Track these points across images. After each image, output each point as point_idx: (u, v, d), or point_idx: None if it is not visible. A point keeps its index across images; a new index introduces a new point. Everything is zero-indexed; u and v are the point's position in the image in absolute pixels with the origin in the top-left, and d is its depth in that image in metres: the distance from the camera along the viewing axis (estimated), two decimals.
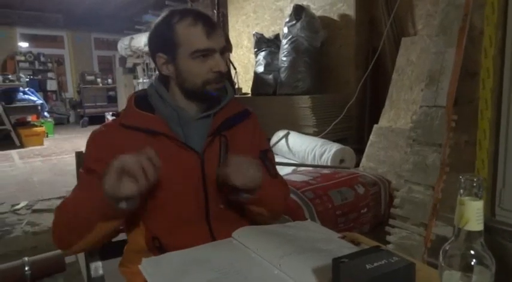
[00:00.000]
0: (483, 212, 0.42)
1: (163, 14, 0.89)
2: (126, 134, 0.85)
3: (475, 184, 0.40)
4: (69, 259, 1.79)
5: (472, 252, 0.43)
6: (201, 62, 0.85)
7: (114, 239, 0.92)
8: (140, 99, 0.90)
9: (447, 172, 1.66)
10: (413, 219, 1.74)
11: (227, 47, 0.91)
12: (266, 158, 0.99)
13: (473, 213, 0.40)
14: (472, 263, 0.44)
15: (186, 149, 0.87)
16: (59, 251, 1.68)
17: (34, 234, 2.28)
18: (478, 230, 0.41)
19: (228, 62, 0.98)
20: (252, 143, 0.97)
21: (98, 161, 0.82)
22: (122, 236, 0.94)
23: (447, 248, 0.44)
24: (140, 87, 7.60)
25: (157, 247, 0.85)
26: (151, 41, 0.90)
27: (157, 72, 0.94)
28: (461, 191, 0.41)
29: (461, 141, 1.81)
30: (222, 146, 0.90)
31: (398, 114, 2.67)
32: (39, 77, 8.67)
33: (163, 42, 0.87)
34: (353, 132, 3.23)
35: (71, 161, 4.38)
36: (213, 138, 0.89)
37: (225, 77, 0.90)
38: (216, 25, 0.87)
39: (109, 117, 8.46)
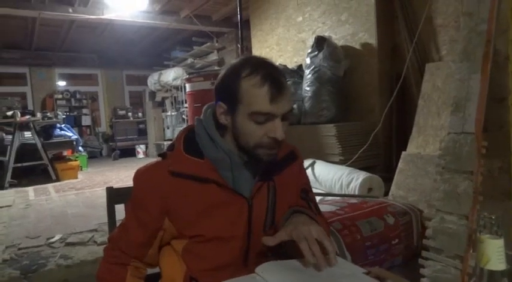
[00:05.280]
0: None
1: (236, 61, 0.85)
2: (175, 181, 0.83)
3: (493, 222, 0.40)
4: None
5: None
6: (259, 124, 0.80)
7: (148, 272, 0.95)
8: (189, 141, 0.88)
9: (481, 201, 1.59)
10: (447, 251, 1.66)
11: (291, 112, 0.84)
12: (308, 197, 0.99)
13: (493, 252, 0.39)
14: None
15: (235, 195, 0.85)
16: None
17: (67, 267, 2.34)
18: (500, 269, 0.40)
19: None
20: (296, 184, 0.97)
21: (143, 209, 0.86)
22: (154, 269, 0.96)
23: None
24: (168, 120, 7.85)
25: None
26: (217, 87, 0.86)
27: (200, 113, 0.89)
28: (481, 228, 0.41)
29: (495, 168, 1.74)
30: (271, 190, 0.90)
31: (427, 140, 2.62)
32: (75, 113, 9.15)
33: (226, 93, 0.83)
34: (380, 160, 3.17)
35: (101, 193, 4.51)
36: (262, 183, 0.88)
37: (281, 143, 0.84)
38: (283, 89, 0.81)
39: (139, 150, 8.73)
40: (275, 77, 0.80)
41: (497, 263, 0.39)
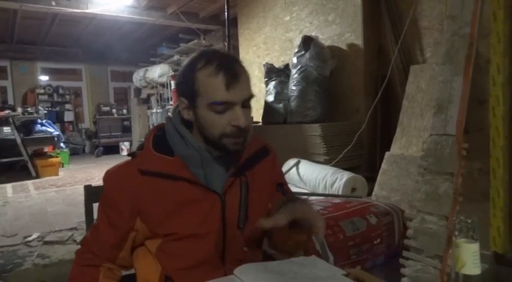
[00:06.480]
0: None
1: (193, 56, 0.85)
2: (144, 179, 0.82)
3: (469, 226, 0.39)
4: None
5: None
6: (220, 113, 0.79)
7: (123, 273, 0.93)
8: (158, 139, 0.87)
9: (461, 202, 1.61)
10: (427, 251, 1.67)
11: (251, 99, 0.84)
12: (283, 190, 0.97)
13: (469, 257, 0.38)
14: None
15: (208, 192, 0.84)
16: None
17: (44, 267, 2.28)
18: (475, 274, 0.39)
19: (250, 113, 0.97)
20: (270, 179, 0.97)
21: (114, 209, 0.84)
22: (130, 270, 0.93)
23: None
24: (154, 118, 7.76)
25: None
26: (177, 83, 0.87)
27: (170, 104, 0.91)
28: (456, 233, 0.40)
29: (474, 169, 1.76)
30: (243, 186, 0.89)
31: (410, 141, 2.64)
32: (57, 108, 8.95)
33: (185, 88, 0.83)
34: (364, 160, 3.20)
35: (83, 191, 4.41)
36: (234, 179, 0.88)
37: (246, 131, 0.83)
38: (239, 75, 0.80)
39: (123, 147, 8.61)
40: (229, 65, 0.80)
41: (472, 267, 0.39)
